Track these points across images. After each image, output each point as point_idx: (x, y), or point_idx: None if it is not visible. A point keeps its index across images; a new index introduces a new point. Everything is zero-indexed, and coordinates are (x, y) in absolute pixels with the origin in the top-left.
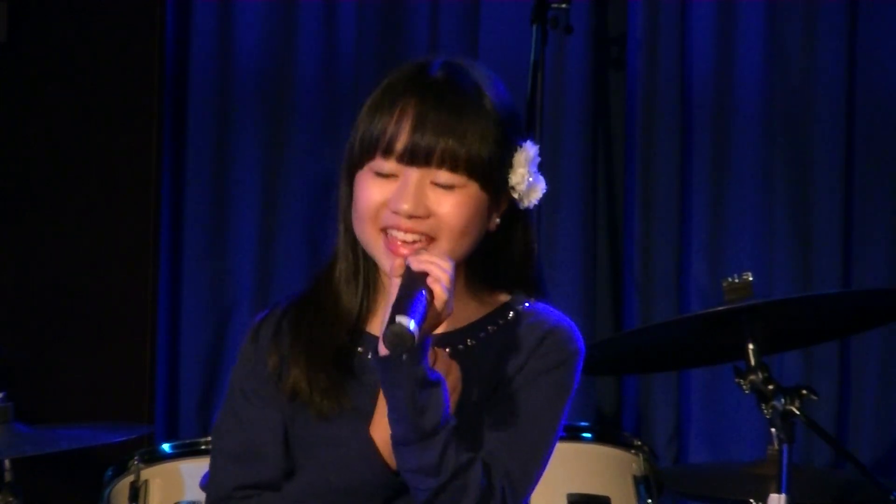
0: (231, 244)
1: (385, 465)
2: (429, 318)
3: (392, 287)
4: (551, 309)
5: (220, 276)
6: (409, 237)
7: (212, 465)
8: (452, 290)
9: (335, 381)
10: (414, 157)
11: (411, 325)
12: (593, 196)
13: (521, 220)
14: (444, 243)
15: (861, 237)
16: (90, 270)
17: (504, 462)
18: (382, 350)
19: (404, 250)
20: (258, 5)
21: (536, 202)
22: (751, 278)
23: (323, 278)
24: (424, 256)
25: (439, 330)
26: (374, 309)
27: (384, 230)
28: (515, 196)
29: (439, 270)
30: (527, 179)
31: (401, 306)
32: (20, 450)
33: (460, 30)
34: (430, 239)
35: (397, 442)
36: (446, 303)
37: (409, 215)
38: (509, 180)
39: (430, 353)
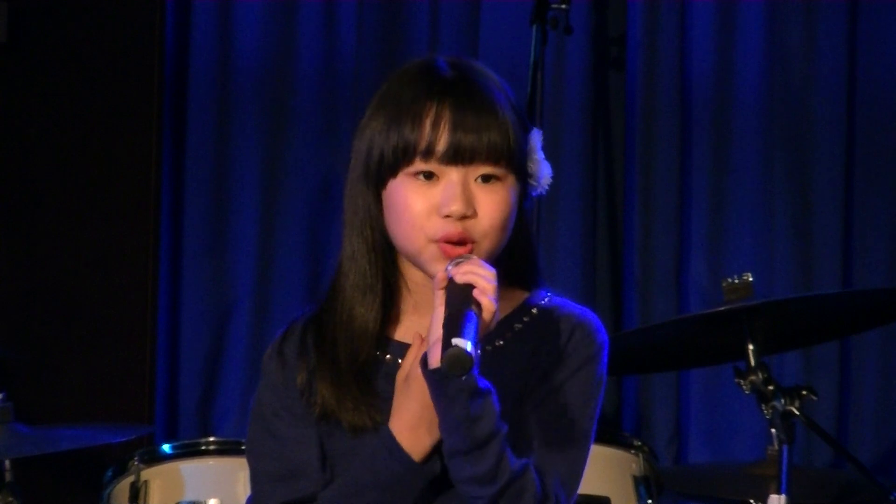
0: (231, 244)
1: (408, 455)
2: (479, 331)
3: (437, 300)
4: (571, 302)
5: (220, 276)
6: (462, 240)
7: (253, 487)
8: (498, 298)
9: (363, 395)
10: (458, 155)
11: (468, 346)
12: (593, 196)
13: (524, 211)
14: (485, 242)
15: (861, 237)
16: (90, 270)
17: (554, 464)
18: (433, 362)
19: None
20: (258, 5)
21: (546, 189)
22: (751, 278)
23: (337, 290)
24: (465, 267)
25: None
26: (397, 315)
27: (435, 241)
28: (532, 183)
29: (484, 281)
30: (540, 165)
31: (454, 327)
32: (20, 450)
33: (460, 30)
34: (473, 240)
35: (451, 453)
36: (494, 313)
37: (462, 216)
38: (528, 168)
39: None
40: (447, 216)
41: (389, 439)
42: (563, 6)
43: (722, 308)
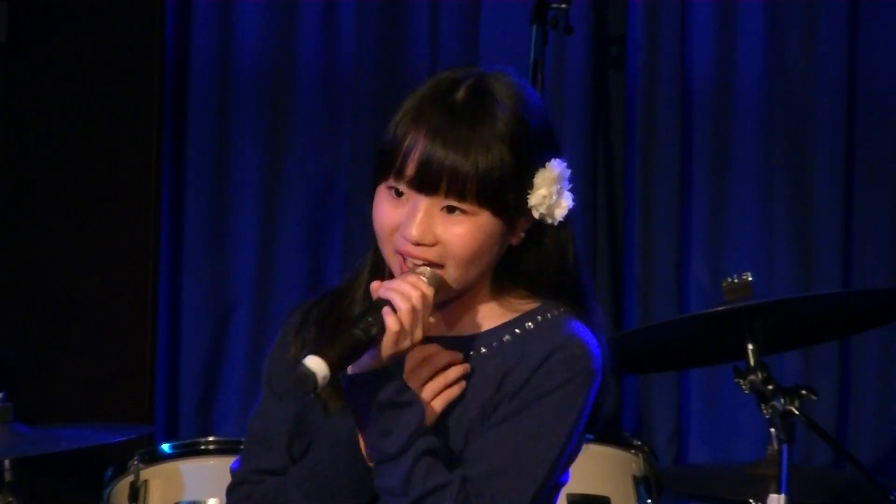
0: (231, 244)
1: (356, 446)
2: (385, 346)
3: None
4: (576, 323)
5: (220, 276)
6: (419, 262)
7: (244, 444)
8: (419, 319)
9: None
10: (422, 185)
11: (318, 365)
12: (593, 196)
13: (550, 232)
14: (451, 270)
15: (861, 237)
16: (90, 270)
17: (495, 490)
18: (352, 368)
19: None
20: (258, 5)
21: (562, 218)
22: (751, 278)
23: (354, 278)
24: (394, 284)
25: (452, 332)
26: None
27: (398, 253)
28: (536, 215)
29: (401, 300)
30: (548, 200)
31: (327, 343)
32: (20, 450)
33: (460, 30)
34: (439, 266)
35: (369, 458)
36: (398, 333)
37: (416, 242)
38: (528, 201)
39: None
40: (405, 238)
41: (352, 432)
42: (563, 6)
43: (722, 308)
